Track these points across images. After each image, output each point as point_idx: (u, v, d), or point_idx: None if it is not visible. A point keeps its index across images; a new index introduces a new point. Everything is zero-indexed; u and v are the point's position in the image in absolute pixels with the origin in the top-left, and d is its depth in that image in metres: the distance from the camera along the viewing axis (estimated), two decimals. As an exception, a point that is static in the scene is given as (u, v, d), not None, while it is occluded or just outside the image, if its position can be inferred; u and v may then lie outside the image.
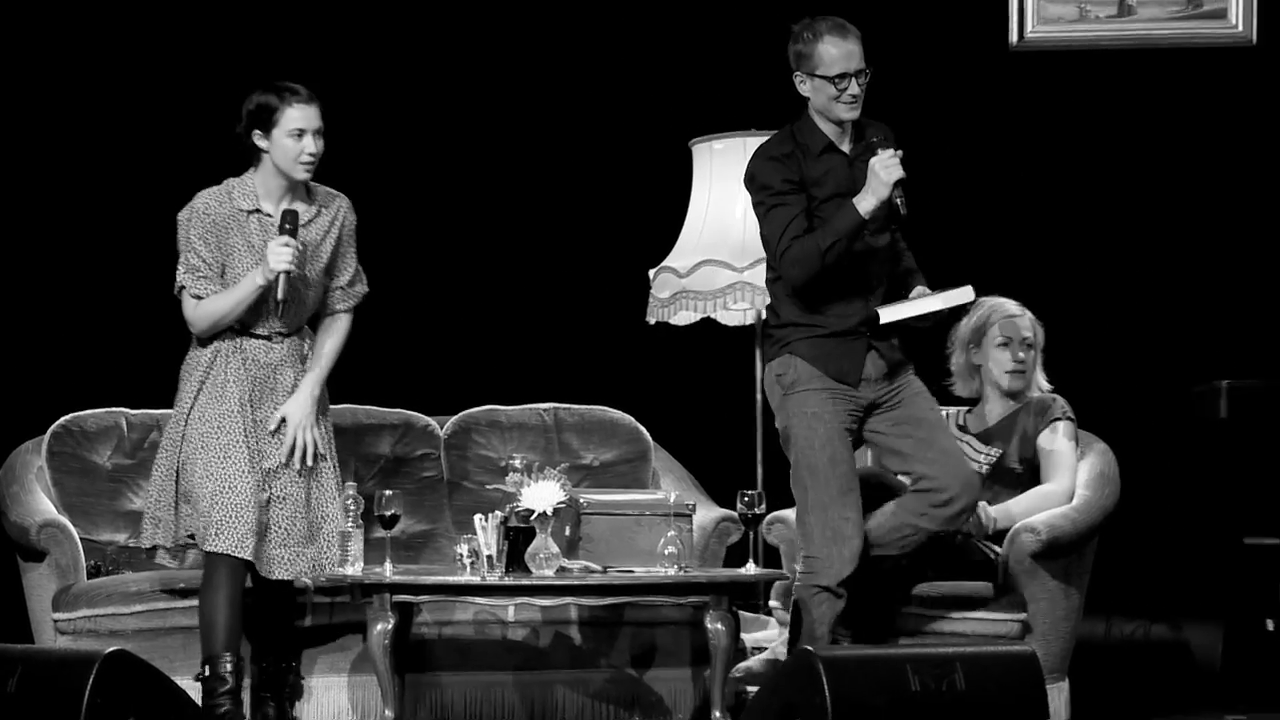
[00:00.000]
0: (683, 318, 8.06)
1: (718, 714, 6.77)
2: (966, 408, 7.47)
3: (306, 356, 6.77)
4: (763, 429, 8.11)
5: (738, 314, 8.15)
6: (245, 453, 6.57)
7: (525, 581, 6.70)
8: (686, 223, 8.17)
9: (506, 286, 9.00)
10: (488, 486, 7.30)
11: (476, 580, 6.69)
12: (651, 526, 6.93)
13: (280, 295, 6.58)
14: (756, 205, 6.67)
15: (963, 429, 7.41)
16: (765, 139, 7.84)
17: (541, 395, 8.03)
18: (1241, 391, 7.79)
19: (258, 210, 6.67)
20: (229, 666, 6.58)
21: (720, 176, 8.10)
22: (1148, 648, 8.48)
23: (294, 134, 6.61)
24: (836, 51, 6.54)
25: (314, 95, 6.67)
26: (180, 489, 6.61)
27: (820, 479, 6.69)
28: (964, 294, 6.63)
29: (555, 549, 6.73)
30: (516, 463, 6.93)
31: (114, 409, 7.75)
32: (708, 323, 8.12)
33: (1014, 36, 8.86)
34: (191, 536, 6.65)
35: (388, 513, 6.74)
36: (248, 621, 6.69)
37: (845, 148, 6.65)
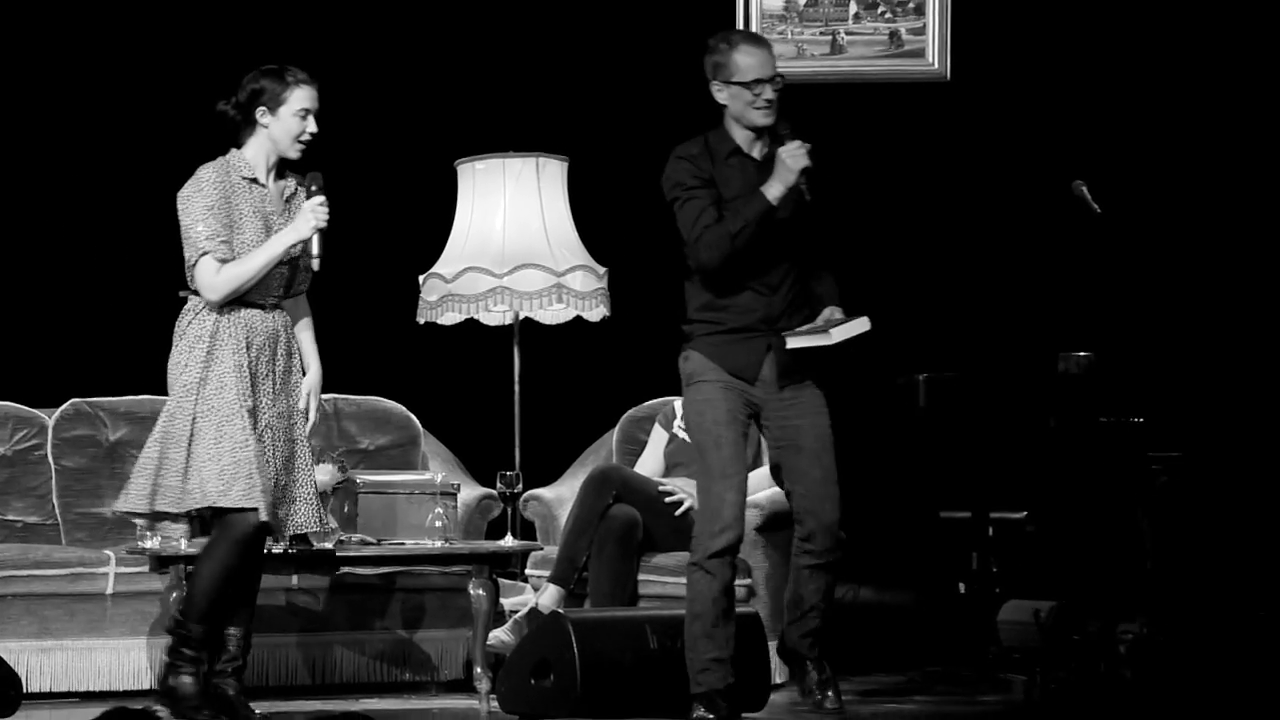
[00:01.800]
0: (449, 318, 8.16)
1: (479, 670, 7.02)
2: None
3: (287, 326, 6.50)
4: (519, 416, 8.27)
5: (498, 315, 8.28)
6: (252, 421, 6.30)
7: (305, 553, 6.84)
8: (452, 234, 8.25)
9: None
10: None
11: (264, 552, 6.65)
12: (420, 504, 7.14)
13: (315, 251, 6.39)
14: (672, 203, 6.50)
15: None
16: (523, 160, 8.22)
17: (324, 387, 7.74)
18: (937, 383, 7.74)
19: (255, 180, 6.43)
20: (200, 638, 6.33)
21: (482, 193, 8.20)
22: (856, 609, 8.52)
23: (300, 114, 6.40)
24: (752, 60, 6.42)
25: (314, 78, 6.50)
26: (192, 458, 6.27)
27: (706, 461, 6.52)
28: (860, 325, 6.53)
29: (334, 524, 6.89)
30: None
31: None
32: (471, 323, 8.24)
33: (742, 70, 9.23)
34: (199, 511, 6.34)
35: None
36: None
37: (756, 154, 6.51)
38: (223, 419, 6.27)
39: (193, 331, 6.38)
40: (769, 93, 6.45)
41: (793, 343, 6.51)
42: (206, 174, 6.40)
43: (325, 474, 6.91)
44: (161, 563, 6.88)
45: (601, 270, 8.26)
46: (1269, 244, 8.88)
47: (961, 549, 8.10)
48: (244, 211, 6.40)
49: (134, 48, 8.80)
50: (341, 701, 7.12)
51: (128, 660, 7.39)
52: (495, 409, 8.36)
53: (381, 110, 8.94)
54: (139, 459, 6.38)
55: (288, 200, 6.50)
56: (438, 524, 7.05)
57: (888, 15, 9.05)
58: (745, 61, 6.44)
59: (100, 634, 7.39)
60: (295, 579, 7.42)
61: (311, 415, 6.52)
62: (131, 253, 8.65)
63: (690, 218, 6.44)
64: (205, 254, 6.33)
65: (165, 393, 7.77)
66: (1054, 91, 8.97)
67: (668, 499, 7.60)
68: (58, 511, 7.86)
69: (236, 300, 6.35)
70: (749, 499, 7.06)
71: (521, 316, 8.22)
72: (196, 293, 6.39)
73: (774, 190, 6.37)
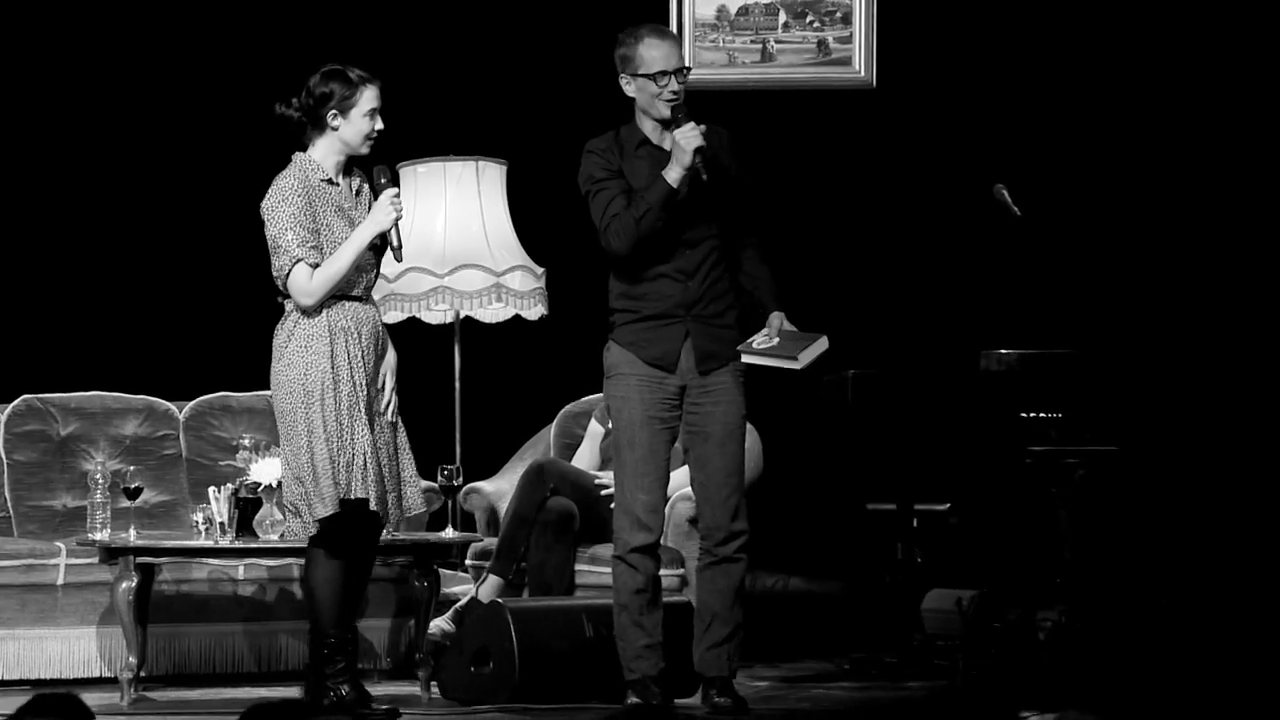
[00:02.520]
0: (391, 317, 8.09)
1: (420, 657, 7.01)
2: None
3: (380, 316, 6.58)
4: (460, 412, 8.28)
5: (439, 314, 8.27)
6: (366, 414, 6.37)
7: (253, 545, 6.90)
8: None
9: (239, 288, 8.47)
10: (220, 463, 7.52)
11: (210, 544, 6.90)
12: None
13: (397, 242, 6.41)
14: (585, 195, 6.51)
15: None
16: (463, 163, 8.24)
17: (269, 383, 7.64)
18: (865, 379, 7.71)
19: (329, 180, 6.44)
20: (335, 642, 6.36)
21: (424, 195, 8.20)
22: (785, 598, 8.60)
23: (369, 114, 6.40)
24: (656, 52, 6.41)
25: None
26: (315, 462, 6.30)
27: (621, 458, 6.52)
28: (821, 345, 6.53)
29: (279, 516, 6.82)
30: (246, 442, 7.19)
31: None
32: (413, 321, 8.22)
33: (674, 77, 9.30)
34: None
35: (132, 485, 6.98)
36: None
37: (666, 144, 6.44)
38: (339, 418, 6.32)
39: (301, 332, 6.39)
40: (674, 84, 6.43)
41: (750, 359, 6.48)
42: (287, 182, 6.41)
43: (272, 467, 6.91)
44: (111, 554, 6.90)
45: (539, 270, 8.28)
46: (1184, 243, 8.96)
47: (887, 540, 8.11)
48: (327, 212, 6.42)
49: (123, 47, 8.85)
50: (286, 688, 7.12)
51: (78, 649, 7.41)
52: (437, 405, 8.33)
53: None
54: (288, 483, 6.38)
55: (357, 194, 6.53)
56: (381, 516, 7.03)
57: (816, 24, 9.08)
58: (650, 54, 6.43)
59: (51, 624, 7.41)
60: (241, 570, 7.44)
61: (388, 394, 6.51)
62: (84, 249, 8.69)
63: (600, 208, 6.44)
64: (299, 261, 6.35)
65: (112, 389, 7.92)
66: (976, 99, 9.01)
67: (603, 491, 7.62)
68: (10, 504, 7.82)
69: (336, 296, 6.38)
70: (682, 491, 7.17)
71: (462, 315, 8.25)
72: (289, 298, 6.41)
73: (673, 173, 6.34)
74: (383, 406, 6.47)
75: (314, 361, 6.35)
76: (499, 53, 8.86)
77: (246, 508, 6.96)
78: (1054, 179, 8.73)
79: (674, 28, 8.94)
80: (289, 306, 6.42)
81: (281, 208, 6.38)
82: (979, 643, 7.53)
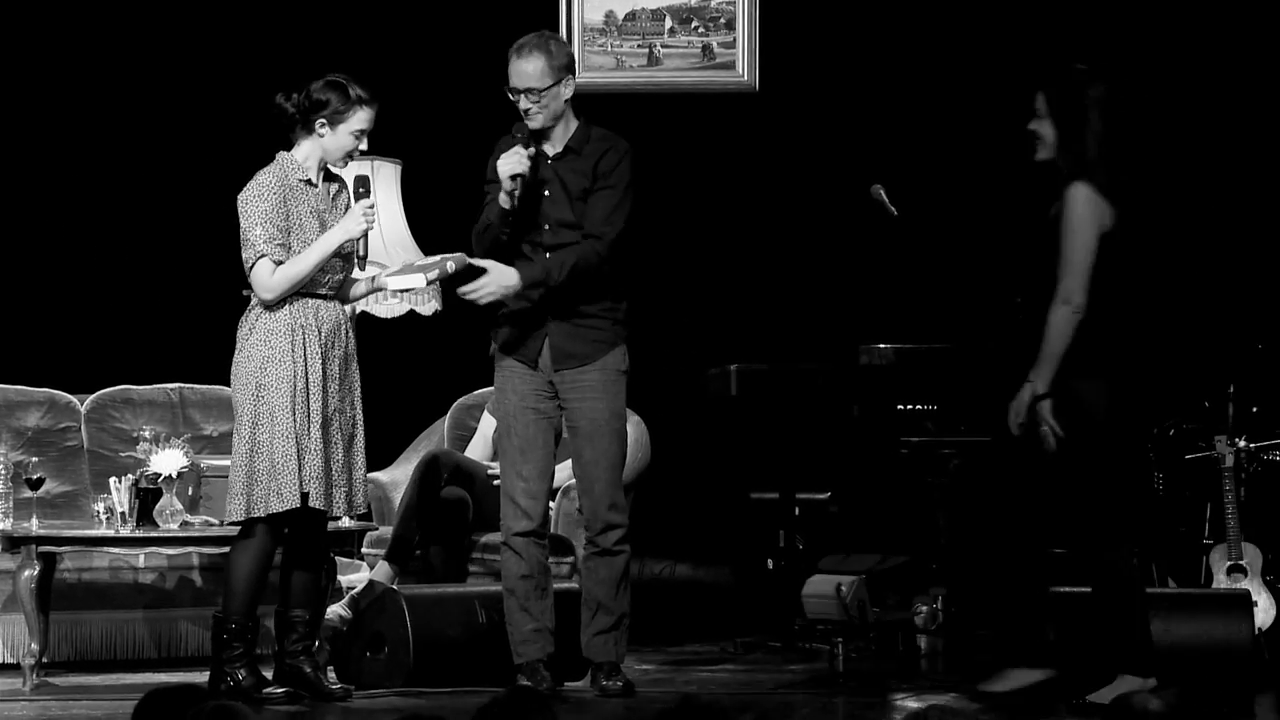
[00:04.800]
0: None
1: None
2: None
3: (346, 315, 6.53)
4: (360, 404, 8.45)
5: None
6: (318, 408, 6.34)
7: (153, 534, 6.91)
8: None
9: (139, 283, 8.95)
10: (122, 454, 7.47)
11: (111, 533, 6.91)
12: None
13: (363, 252, 6.41)
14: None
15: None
16: (358, 163, 8.18)
17: (169, 376, 8.07)
18: (748, 373, 7.77)
19: (308, 181, 6.44)
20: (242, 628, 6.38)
21: None
22: (674, 584, 8.62)
23: (356, 134, 6.42)
24: (510, 69, 6.46)
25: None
26: (261, 457, 6.31)
27: (502, 446, 6.58)
28: (454, 261, 6.44)
29: (179, 506, 6.91)
30: (146, 433, 7.18)
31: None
32: None
33: (562, 81, 9.34)
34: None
35: (34, 476, 7.01)
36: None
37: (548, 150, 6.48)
38: (291, 413, 6.31)
39: (262, 326, 6.39)
40: (525, 102, 6.44)
41: (393, 284, 6.54)
42: (265, 178, 6.42)
43: (172, 459, 6.92)
44: (13, 543, 6.88)
45: (433, 267, 8.31)
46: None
47: (770, 527, 8.19)
48: (301, 213, 6.42)
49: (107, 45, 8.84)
50: (186, 673, 7.10)
51: (-18, 635, 7.36)
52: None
53: (222, 116, 8.89)
54: (231, 469, 6.41)
55: (334, 198, 6.53)
56: (278, 506, 7.03)
57: (701, 30, 9.12)
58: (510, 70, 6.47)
59: (-45, 611, 7.34)
60: (142, 559, 7.43)
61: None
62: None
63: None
64: (262, 256, 6.35)
65: (14, 382, 7.87)
66: (855, 102, 9.06)
67: (495, 482, 7.56)
68: (-84, 494, 7.76)
69: (299, 293, 6.37)
70: (571, 481, 7.09)
71: (358, 311, 8.15)
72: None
73: (500, 196, 6.39)
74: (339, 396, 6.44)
75: (270, 355, 6.35)
76: (393, 55, 8.85)
77: (147, 498, 6.95)
78: (929, 179, 8.79)
79: (563, 33, 9.01)
80: (253, 300, 6.42)
81: (255, 203, 6.38)
82: (857, 628, 7.59)
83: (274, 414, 6.31)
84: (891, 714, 6.37)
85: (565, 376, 6.49)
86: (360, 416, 6.54)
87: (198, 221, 8.91)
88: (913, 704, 6.33)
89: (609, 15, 9.12)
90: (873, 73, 9.12)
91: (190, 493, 7.13)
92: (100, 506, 6.96)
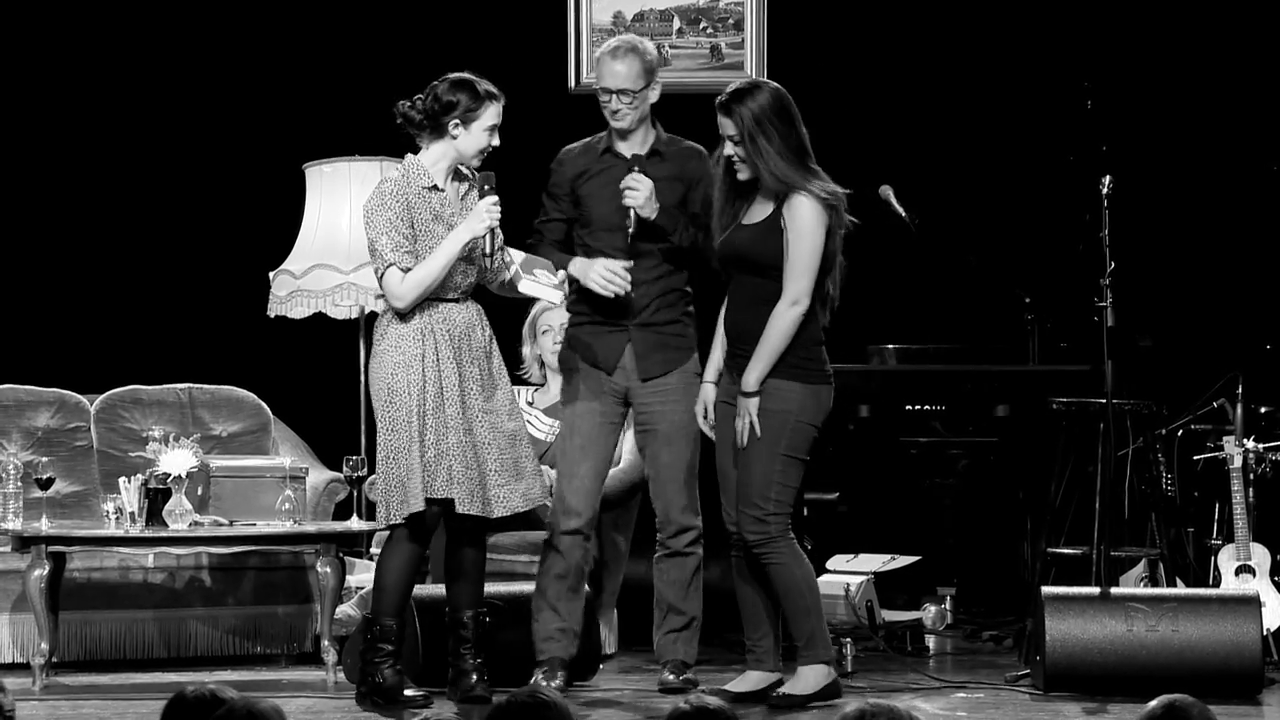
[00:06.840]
0: (298, 312, 8.11)
1: (326, 642, 6.97)
2: (534, 387, 7.72)
3: (481, 315, 6.48)
4: (364, 404, 8.13)
5: (344, 310, 8.21)
6: (460, 411, 6.32)
7: (162, 534, 6.87)
8: (301, 232, 8.19)
9: (149, 284, 8.96)
10: (131, 454, 7.44)
11: (121, 533, 6.88)
12: (271, 487, 7.11)
13: (489, 250, 6.36)
14: None
15: (531, 405, 7.64)
16: (367, 163, 8.15)
17: (178, 377, 8.04)
18: None
19: (435, 187, 6.41)
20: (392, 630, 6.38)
21: (329, 194, 8.15)
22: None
23: (489, 129, 6.39)
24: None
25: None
26: (394, 463, 6.30)
27: (562, 445, 6.62)
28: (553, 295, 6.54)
29: (189, 506, 6.89)
30: (156, 433, 7.14)
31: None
32: (319, 317, 8.19)
33: (572, 82, 9.08)
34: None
35: (44, 476, 6.97)
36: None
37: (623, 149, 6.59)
38: (424, 418, 6.29)
39: (393, 332, 6.38)
40: (616, 103, 6.56)
41: (524, 287, 6.51)
42: (388, 186, 6.40)
43: (181, 458, 6.90)
44: (23, 543, 6.87)
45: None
46: (1063, 244, 9.02)
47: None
48: (425, 219, 6.39)
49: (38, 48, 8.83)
50: (196, 674, 7.10)
51: (-8, 635, 7.35)
52: (342, 397, 8.33)
53: (233, 116, 8.94)
54: (376, 474, 6.39)
55: (463, 199, 6.51)
56: (287, 506, 7.03)
57: (709, 30, 9.11)
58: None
59: (-35, 611, 7.34)
60: (151, 559, 7.41)
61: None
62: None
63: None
64: (390, 265, 6.33)
65: (25, 382, 7.86)
66: (864, 103, 9.01)
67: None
68: (-76, 495, 7.73)
69: (430, 298, 6.35)
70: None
71: (367, 310, 8.17)
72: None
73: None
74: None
75: (401, 361, 6.34)
76: (402, 56, 8.82)
77: (156, 498, 6.90)
78: (939, 180, 8.78)
79: (571, 33, 9.01)
80: (383, 307, 6.44)
81: (378, 213, 6.37)
82: (867, 627, 7.54)
83: (405, 419, 6.30)
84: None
85: (642, 383, 6.54)
86: (517, 406, 6.51)
87: (207, 222, 8.96)
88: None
89: (617, 16, 9.10)
90: (882, 73, 9.10)
91: (200, 493, 7.12)
92: (110, 506, 6.94)
